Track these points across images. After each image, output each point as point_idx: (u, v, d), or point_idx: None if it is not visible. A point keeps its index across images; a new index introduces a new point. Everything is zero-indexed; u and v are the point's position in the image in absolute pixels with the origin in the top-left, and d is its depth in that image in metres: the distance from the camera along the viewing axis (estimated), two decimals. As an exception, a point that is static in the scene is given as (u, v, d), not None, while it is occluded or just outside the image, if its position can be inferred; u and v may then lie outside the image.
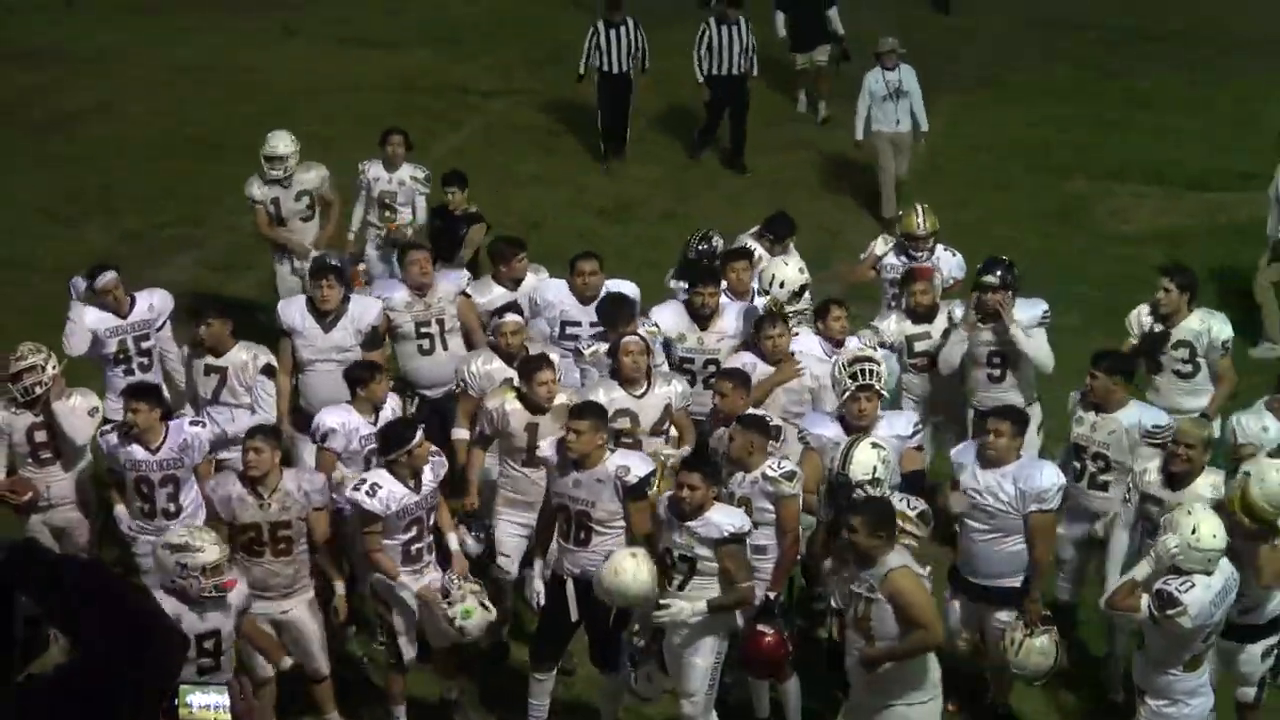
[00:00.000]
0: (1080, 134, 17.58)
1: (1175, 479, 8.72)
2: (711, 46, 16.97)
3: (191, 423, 9.43)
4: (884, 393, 9.21)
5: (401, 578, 8.67)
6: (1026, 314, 10.26)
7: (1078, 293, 14.27)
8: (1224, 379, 10.24)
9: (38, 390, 9.44)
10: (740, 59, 17.03)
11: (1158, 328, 10.32)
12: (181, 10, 21.78)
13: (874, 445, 8.45)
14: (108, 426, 9.47)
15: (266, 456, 8.64)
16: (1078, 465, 9.45)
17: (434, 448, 8.88)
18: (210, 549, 7.94)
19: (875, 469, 8.29)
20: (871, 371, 9.07)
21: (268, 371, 10.01)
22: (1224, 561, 7.89)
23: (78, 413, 9.57)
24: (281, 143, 12.50)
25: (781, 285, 10.50)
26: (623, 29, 16.98)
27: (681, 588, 8.25)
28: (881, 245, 11.74)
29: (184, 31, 21.12)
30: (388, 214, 12.78)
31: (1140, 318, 10.30)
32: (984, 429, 8.91)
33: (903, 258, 11.43)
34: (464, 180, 12.77)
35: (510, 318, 9.93)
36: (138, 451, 9.19)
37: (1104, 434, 9.35)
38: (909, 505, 8.27)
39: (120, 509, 9.37)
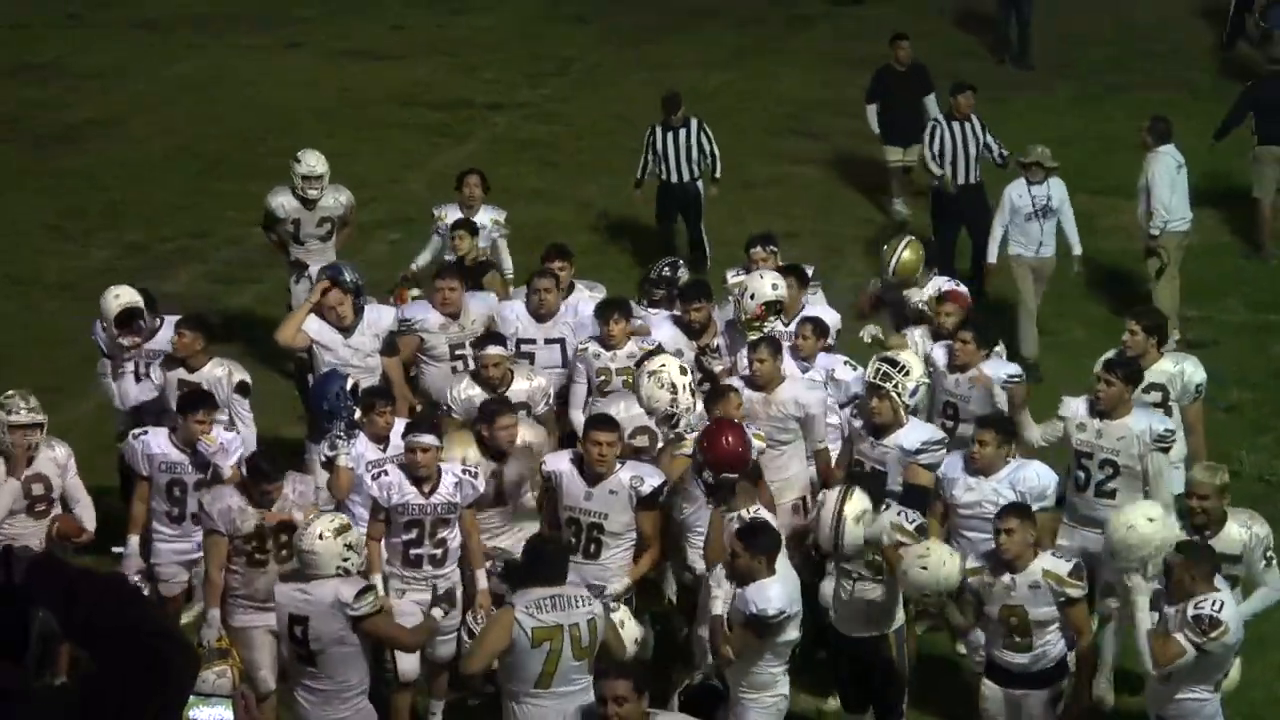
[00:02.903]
0: (1082, 150, 17.56)
1: (1199, 532, 8.35)
2: (944, 148, 14.38)
3: (225, 427, 9.44)
4: (903, 399, 9.06)
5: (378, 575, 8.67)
6: (994, 373, 9.89)
7: (1082, 308, 14.27)
8: (1196, 428, 9.84)
9: (17, 451, 9.16)
10: (975, 165, 14.37)
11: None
12: (184, 25, 21.81)
13: (860, 513, 8.20)
14: (140, 429, 9.42)
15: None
16: (1081, 474, 9.27)
17: (470, 467, 8.89)
18: None
19: (863, 516, 8.19)
20: (883, 373, 9.06)
21: (242, 390, 9.88)
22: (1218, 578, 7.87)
23: (68, 474, 9.37)
24: (320, 162, 12.36)
25: (752, 297, 10.18)
26: (682, 132, 14.66)
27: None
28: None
29: (187, 46, 21.16)
30: None
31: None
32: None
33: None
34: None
35: (492, 349, 9.89)
36: (174, 454, 9.21)
37: (1112, 440, 9.15)
38: (906, 519, 8.24)
39: (134, 541, 9.22)
